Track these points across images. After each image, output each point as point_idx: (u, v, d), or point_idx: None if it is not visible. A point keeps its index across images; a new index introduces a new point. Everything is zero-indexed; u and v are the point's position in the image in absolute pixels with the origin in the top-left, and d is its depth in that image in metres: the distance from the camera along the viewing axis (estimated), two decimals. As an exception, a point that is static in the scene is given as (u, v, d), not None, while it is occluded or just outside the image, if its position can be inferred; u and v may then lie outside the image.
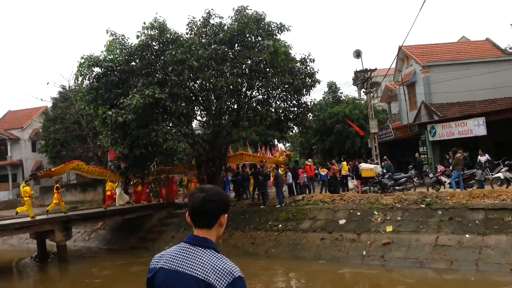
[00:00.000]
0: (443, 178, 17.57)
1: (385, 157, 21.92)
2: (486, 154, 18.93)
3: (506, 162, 16.26)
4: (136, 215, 21.41)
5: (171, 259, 1.93)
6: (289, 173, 20.61)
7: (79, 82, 19.53)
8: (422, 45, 31.76)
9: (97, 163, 28.65)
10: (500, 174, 16.04)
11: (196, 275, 1.82)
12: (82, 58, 18.23)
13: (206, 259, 1.86)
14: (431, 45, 32.08)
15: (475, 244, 11.62)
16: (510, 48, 31.66)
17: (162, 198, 23.45)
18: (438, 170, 18.48)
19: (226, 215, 2.02)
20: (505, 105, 25.18)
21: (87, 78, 18.71)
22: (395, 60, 30.32)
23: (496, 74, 26.36)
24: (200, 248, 1.91)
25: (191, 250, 1.91)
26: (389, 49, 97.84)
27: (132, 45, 18.82)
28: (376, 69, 24.40)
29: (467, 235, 11.95)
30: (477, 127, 21.70)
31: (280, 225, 16.37)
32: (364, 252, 13.25)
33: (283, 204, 17.99)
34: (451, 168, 17.52)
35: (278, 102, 21.60)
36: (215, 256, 1.88)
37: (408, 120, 29.74)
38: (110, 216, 21.03)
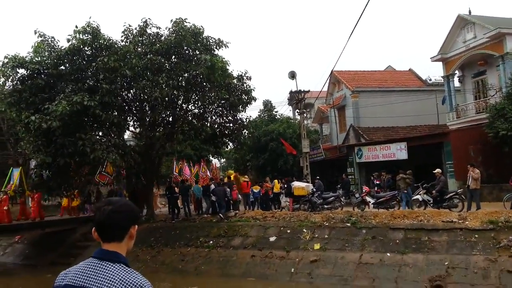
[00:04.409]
0: (368, 198, 18.45)
1: (318, 177, 22.67)
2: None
3: (424, 186, 17.44)
4: (58, 228, 20.05)
5: (77, 276, 1.82)
6: (228, 189, 20.45)
7: (1, 83, 18.18)
8: (352, 71, 33.61)
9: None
10: (418, 196, 17.15)
11: None
12: (6, 57, 17.07)
13: (115, 274, 1.77)
14: (360, 71, 34.07)
15: (395, 262, 12.25)
16: (430, 80, 34.49)
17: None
18: (363, 191, 19.38)
19: (136, 226, 1.95)
20: (425, 132, 27.25)
21: (10, 80, 17.51)
22: (327, 84, 31.71)
23: (417, 103, 28.51)
24: (109, 263, 1.81)
25: (99, 265, 1.81)
26: (322, 72, 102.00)
27: (62, 48, 17.91)
28: (309, 91, 25.32)
29: (388, 254, 12.58)
30: (399, 151, 23.20)
31: (211, 242, 16.15)
32: (293, 269, 13.44)
33: (222, 212, 18.00)
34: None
35: (214, 117, 21.60)
36: (124, 271, 1.80)
37: (338, 141, 31.07)
38: (29, 229, 19.51)
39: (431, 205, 16.52)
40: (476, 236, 11.94)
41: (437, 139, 22.81)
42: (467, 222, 12.60)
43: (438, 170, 17.12)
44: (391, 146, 23.79)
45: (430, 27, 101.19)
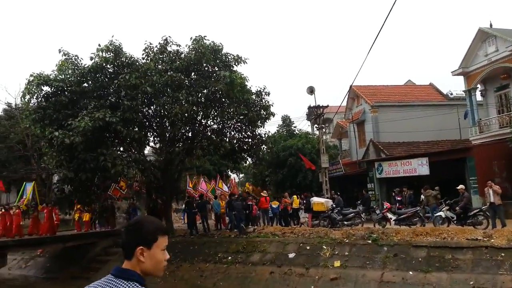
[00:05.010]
0: (389, 215, 18.11)
1: (337, 193, 22.43)
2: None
3: (447, 202, 17.03)
4: (79, 242, 20.28)
5: None
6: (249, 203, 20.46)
7: (26, 100, 18.69)
8: (372, 86, 33.34)
9: (40, 186, 27.14)
10: (441, 213, 16.73)
11: None
12: (31, 75, 17.52)
13: None
14: (379, 86, 33.77)
15: (418, 281, 11.91)
16: (451, 94, 33.95)
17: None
18: (384, 207, 19.04)
19: (145, 248, 1.87)
20: (447, 147, 26.74)
21: (35, 97, 17.96)
22: (346, 99, 31.55)
23: (438, 117, 28.04)
24: (123, 281, 1.83)
25: (114, 283, 1.84)
26: (341, 87, 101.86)
27: (85, 66, 18.37)
28: (328, 106, 25.23)
29: (411, 272, 12.26)
30: (421, 167, 22.77)
31: (229, 257, 16.07)
32: (312, 287, 13.20)
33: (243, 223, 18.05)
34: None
35: (232, 133, 21.70)
36: None
37: (357, 156, 30.72)
38: (51, 243, 19.78)
39: (455, 222, 16.11)
40: (503, 254, 11.54)
41: (460, 154, 22.34)
42: (492, 240, 12.22)
43: (461, 186, 16.73)
44: (412, 162, 23.39)
45: (450, 41, 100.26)
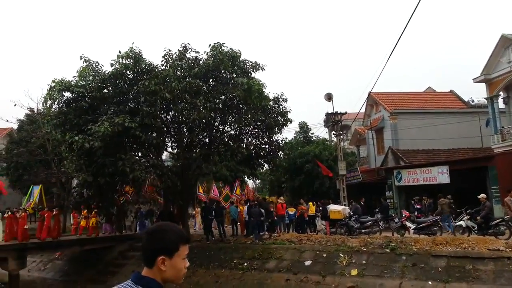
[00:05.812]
0: (408, 223, 17.80)
1: (362, 200, 22.26)
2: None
3: (467, 211, 16.67)
4: (97, 246, 20.51)
5: None
6: (262, 210, 20.39)
7: (48, 105, 19.06)
8: (391, 93, 32.97)
9: (60, 190, 27.59)
10: (462, 222, 16.39)
11: None
12: (53, 81, 17.84)
13: None
14: (399, 93, 33.38)
15: (437, 291, 11.65)
16: (472, 101, 33.32)
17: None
18: (403, 215, 18.73)
19: (166, 258, 1.86)
20: (468, 155, 26.22)
21: (56, 102, 18.29)
22: (365, 105, 31.28)
23: (459, 125, 27.54)
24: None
25: None
26: (360, 93, 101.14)
27: (106, 72, 18.64)
28: (346, 112, 25.00)
29: (430, 282, 12.01)
30: (441, 175, 22.39)
31: (245, 264, 16.02)
32: (329, 295, 13.06)
33: (257, 235, 17.95)
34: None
35: (249, 139, 21.70)
36: None
37: (376, 164, 30.36)
38: (69, 246, 20.06)
39: (476, 231, 15.74)
40: (526, 266, 11.22)
41: (481, 162, 21.87)
42: (515, 251, 11.89)
43: (482, 195, 16.36)
44: (432, 170, 23.02)
45: (472, 48, 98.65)
